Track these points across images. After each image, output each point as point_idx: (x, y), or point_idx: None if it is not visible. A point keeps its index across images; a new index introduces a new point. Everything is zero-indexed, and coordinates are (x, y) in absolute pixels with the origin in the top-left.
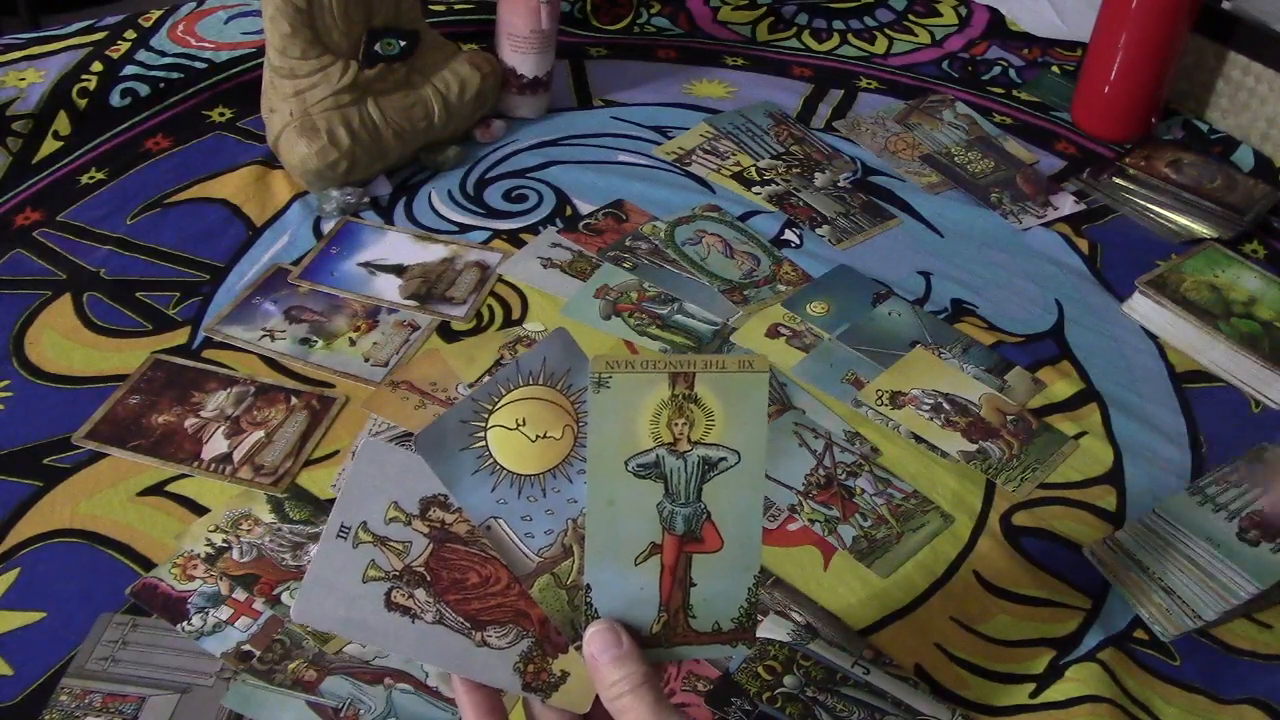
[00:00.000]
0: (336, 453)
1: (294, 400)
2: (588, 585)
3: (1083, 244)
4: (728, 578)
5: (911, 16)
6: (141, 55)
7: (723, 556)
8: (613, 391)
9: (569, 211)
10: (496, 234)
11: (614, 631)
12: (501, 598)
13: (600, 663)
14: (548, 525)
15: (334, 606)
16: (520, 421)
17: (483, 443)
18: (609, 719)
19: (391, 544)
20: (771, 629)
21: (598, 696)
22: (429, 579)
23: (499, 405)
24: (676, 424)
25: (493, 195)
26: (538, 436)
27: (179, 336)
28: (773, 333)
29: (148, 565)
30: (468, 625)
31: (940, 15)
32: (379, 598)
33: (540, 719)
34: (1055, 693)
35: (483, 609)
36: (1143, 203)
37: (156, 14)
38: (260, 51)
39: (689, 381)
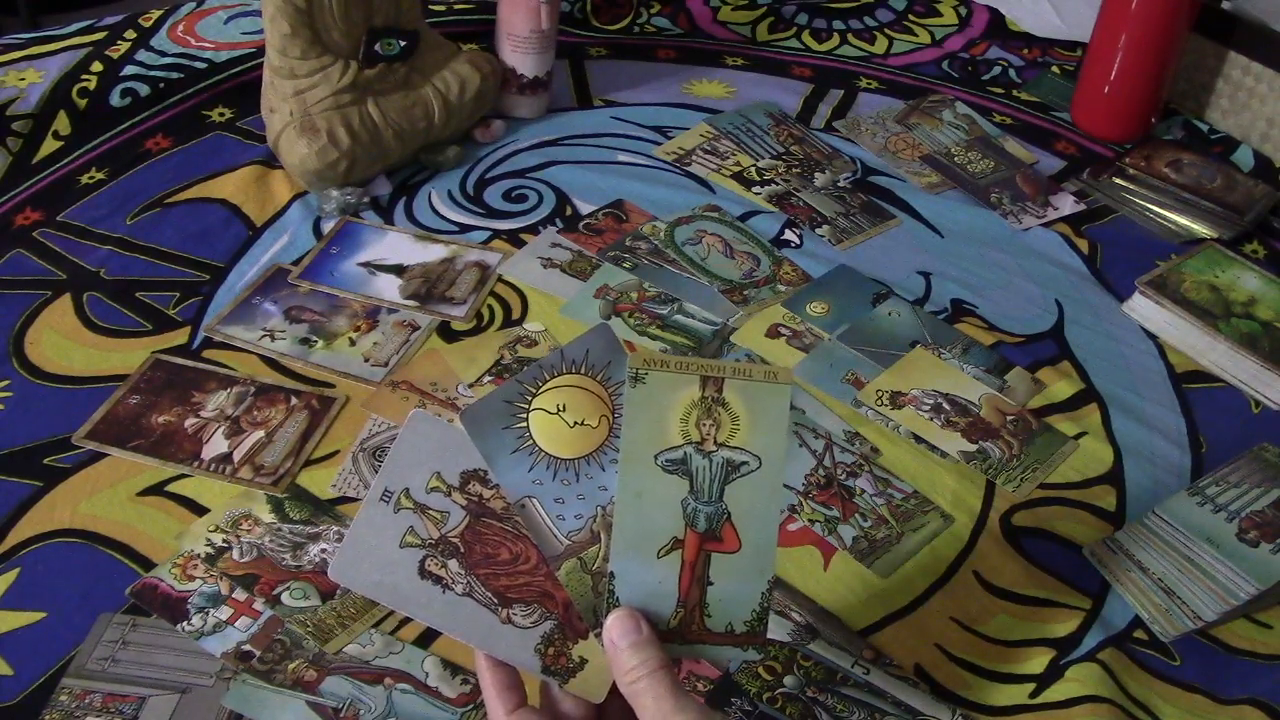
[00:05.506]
0: (336, 453)
1: (294, 400)
2: (611, 573)
3: (1083, 244)
4: (743, 579)
5: (911, 16)
6: (141, 55)
7: (740, 558)
8: (648, 387)
9: (569, 211)
10: (496, 234)
11: (634, 619)
12: (529, 577)
13: (619, 648)
14: (578, 509)
15: (369, 570)
16: (561, 407)
17: (524, 423)
18: (623, 711)
19: (430, 512)
20: (771, 629)
21: (614, 688)
22: (462, 550)
23: (542, 390)
24: (705, 424)
25: (493, 195)
26: (576, 423)
27: (179, 336)
28: (773, 333)
29: (148, 565)
30: (495, 601)
31: (940, 15)
32: (413, 564)
33: (557, 703)
34: (1055, 693)
35: (510, 586)
36: (1143, 203)
37: (156, 14)
38: (260, 51)
39: (718, 385)
